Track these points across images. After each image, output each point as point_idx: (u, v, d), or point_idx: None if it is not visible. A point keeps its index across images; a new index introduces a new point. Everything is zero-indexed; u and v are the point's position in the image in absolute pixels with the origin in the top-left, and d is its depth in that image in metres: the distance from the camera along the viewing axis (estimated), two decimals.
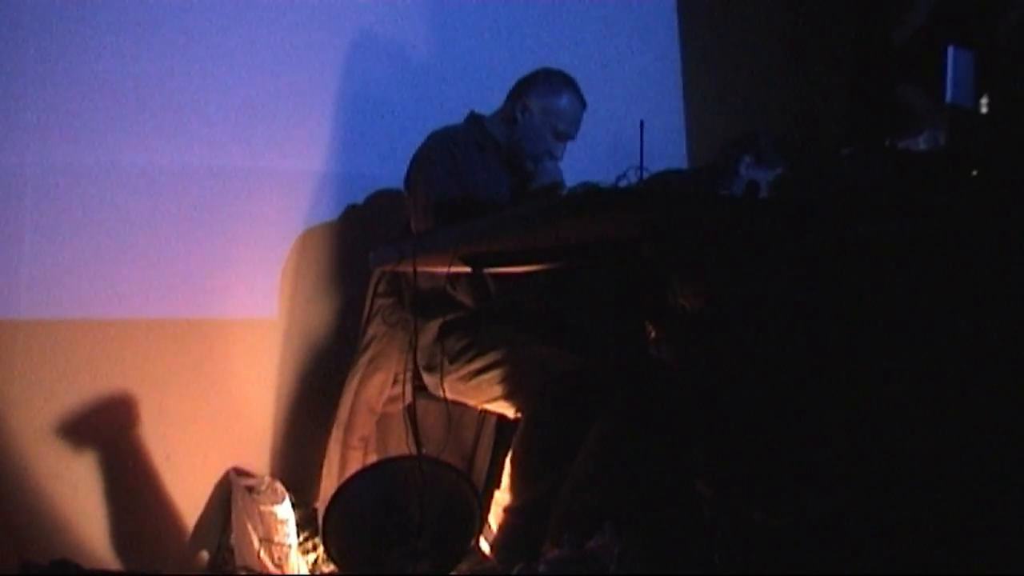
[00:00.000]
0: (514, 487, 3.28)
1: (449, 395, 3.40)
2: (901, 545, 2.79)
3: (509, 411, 3.39)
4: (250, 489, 3.61)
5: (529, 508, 3.23)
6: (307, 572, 3.57)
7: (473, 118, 3.75)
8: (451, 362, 3.47)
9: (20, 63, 3.44)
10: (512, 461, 3.31)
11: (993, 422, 2.86)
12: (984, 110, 3.01)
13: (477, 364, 3.45)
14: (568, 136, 3.68)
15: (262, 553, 3.50)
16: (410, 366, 3.56)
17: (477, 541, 3.39)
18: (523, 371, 3.36)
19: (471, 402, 3.48)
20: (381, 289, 3.69)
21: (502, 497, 3.31)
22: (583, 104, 3.69)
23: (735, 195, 3.72)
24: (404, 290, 3.63)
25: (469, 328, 3.52)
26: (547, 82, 3.68)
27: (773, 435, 3.17)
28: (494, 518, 3.36)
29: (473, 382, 3.45)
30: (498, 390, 3.39)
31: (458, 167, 3.56)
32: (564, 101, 3.66)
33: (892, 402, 3.03)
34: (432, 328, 3.53)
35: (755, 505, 3.02)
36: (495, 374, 3.40)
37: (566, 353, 3.39)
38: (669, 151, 4.52)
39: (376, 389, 3.69)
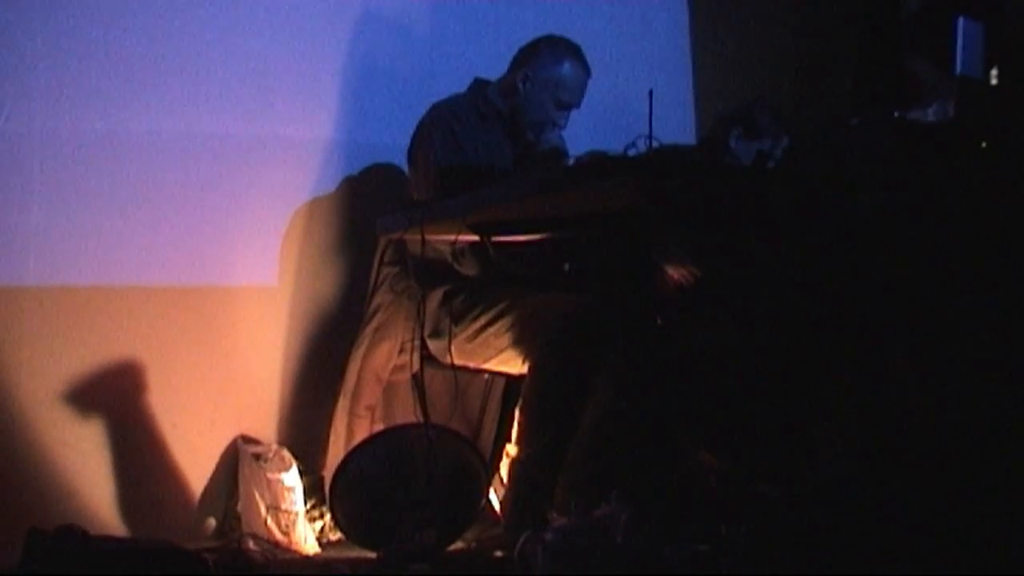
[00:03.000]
0: (524, 437, 3.28)
1: (457, 359, 3.40)
2: (904, 516, 2.80)
3: (517, 363, 3.40)
4: (257, 456, 3.62)
5: (539, 459, 3.23)
6: (314, 539, 3.58)
7: (477, 86, 3.74)
8: (456, 323, 3.47)
9: (28, 31, 3.43)
10: (522, 409, 3.31)
11: (995, 394, 2.87)
12: (993, 82, 3.00)
13: (482, 320, 3.46)
14: (571, 105, 3.66)
15: (269, 520, 3.51)
16: (417, 335, 3.57)
17: (487, 500, 3.41)
18: (528, 317, 3.37)
19: (479, 362, 3.49)
20: (388, 258, 3.69)
21: (512, 449, 3.32)
22: (587, 72, 3.66)
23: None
24: (408, 259, 3.63)
25: (474, 289, 3.52)
26: (549, 51, 3.65)
27: (778, 407, 3.18)
28: (504, 472, 3.36)
29: (480, 339, 3.45)
30: (505, 340, 3.40)
31: (458, 139, 3.55)
32: (566, 70, 3.63)
33: (895, 374, 3.04)
34: (437, 295, 3.54)
35: (760, 476, 3.03)
36: (500, 325, 3.42)
37: (570, 295, 3.38)
38: (678, 120, 4.51)
39: (383, 358, 3.70)
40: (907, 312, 3.04)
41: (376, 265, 3.73)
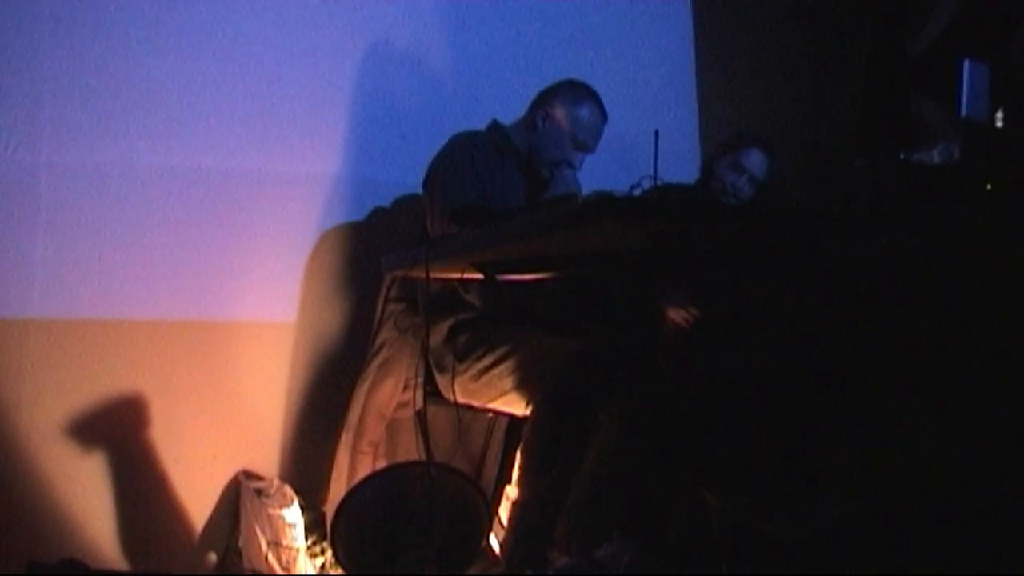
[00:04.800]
0: (525, 479, 3.28)
1: (460, 397, 3.41)
2: (910, 555, 2.79)
3: (520, 405, 3.39)
4: (259, 492, 3.62)
5: (539, 502, 3.22)
6: None
7: (495, 125, 3.77)
8: (460, 361, 3.47)
9: (35, 63, 3.45)
10: (523, 451, 3.30)
11: (1001, 434, 2.86)
12: (999, 124, 3.00)
13: (487, 360, 3.45)
14: (587, 147, 3.69)
15: (270, 556, 3.50)
16: (421, 371, 3.57)
17: (487, 542, 3.40)
18: (532, 361, 3.37)
19: (482, 401, 3.49)
20: (392, 294, 3.70)
21: (513, 492, 3.31)
22: (604, 117, 3.70)
23: (734, 200, 3.77)
24: (417, 293, 3.63)
25: (478, 327, 3.52)
26: (570, 92, 3.71)
27: (781, 445, 3.17)
28: (505, 514, 3.36)
29: (484, 379, 3.45)
30: (508, 383, 3.40)
31: (477, 170, 3.57)
32: (585, 111, 3.67)
33: (900, 413, 3.03)
34: (442, 329, 3.54)
35: (763, 515, 3.02)
36: (505, 367, 3.41)
37: (574, 340, 3.39)
38: (683, 161, 4.51)
39: (386, 394, 3.69)
40: (912, 351, 3.04)
41: (381, 301, 3.74)
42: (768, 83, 4.84)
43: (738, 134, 4.12)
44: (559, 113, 3.68)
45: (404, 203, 3.97)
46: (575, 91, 3.71)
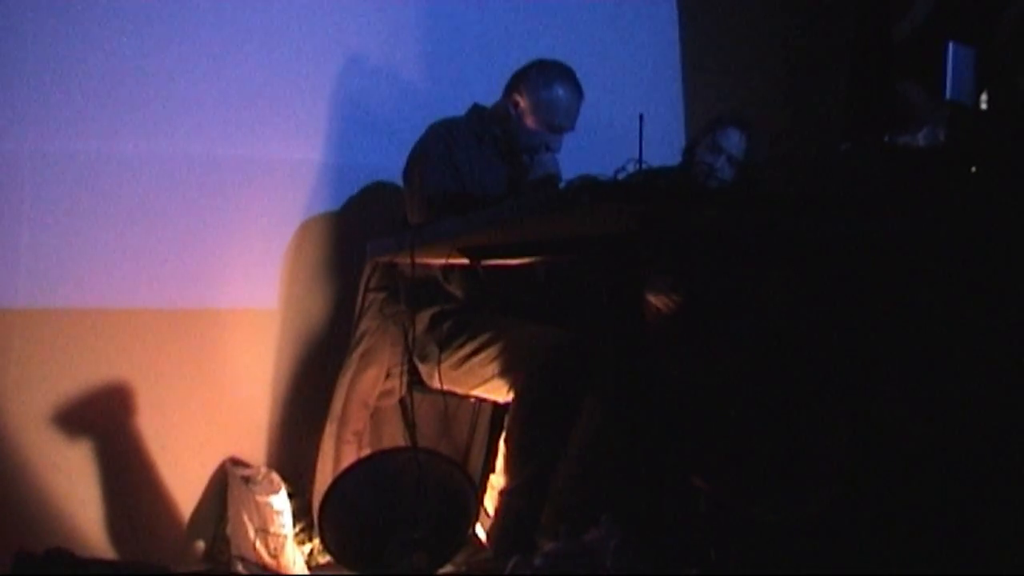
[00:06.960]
0: (509, 467, 3.29)
1: (443, 385, 3.40)
2: (897, 541, 2.79)
3: (502, 392, 3.39)
4: (246, 479, 3.61)
5: (524, 489, 3.24)
6: (303, 562, 3.57)
7: (475, 110, 3.75)
8: (442, 349, 3.46)
9: (19, 52, 3.43)
10: (506, 440, 3.31)
11: (990, 419, 2.86)
12: (984, 106, 3.01)
13: (468, 348, 3.45)
14: (563, 128, 3.65)
15: (258, 543, 3.49)
16: (404, 360, 3.56)
17: (473, 530, 3.40)
18: (514, 348, 3.37)
19: (465, 389, 3.49)
20: (373, 283, 3.68)
21: (497, 480, 3.32)
22: (579, 95, 3.64)
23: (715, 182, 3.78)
24: (399, 282, 3.63)
25: (460, 316, 3.52)
26: (540, 75, 3.64)
27: (770, 431, 3.18)
28: (490, 503, 3.36)
29: (465, 366, 3.45)
30: (490, 370, 3.40)
31: (454, 159, 3.56)
32: (558, 93, 3.61)
33: (888, 398, 3.03)
34: (424, 318, 3.53)
35: (751, 500, 3.03)
36: (486, 355, 3.41)
37: (556, 328, 3.39)
38: (668, 144, 4.51)
39: (369, 383, 3.68)
40: (899, 335, 3.04)
41: (361, 291, 3.72)
42: (754, 68, 4.84)
43: (716, 116, 4.11)
44: (531, 100, 3.62)
45: (389, 189, 3.96)
46: (545, 74, 3.65)
